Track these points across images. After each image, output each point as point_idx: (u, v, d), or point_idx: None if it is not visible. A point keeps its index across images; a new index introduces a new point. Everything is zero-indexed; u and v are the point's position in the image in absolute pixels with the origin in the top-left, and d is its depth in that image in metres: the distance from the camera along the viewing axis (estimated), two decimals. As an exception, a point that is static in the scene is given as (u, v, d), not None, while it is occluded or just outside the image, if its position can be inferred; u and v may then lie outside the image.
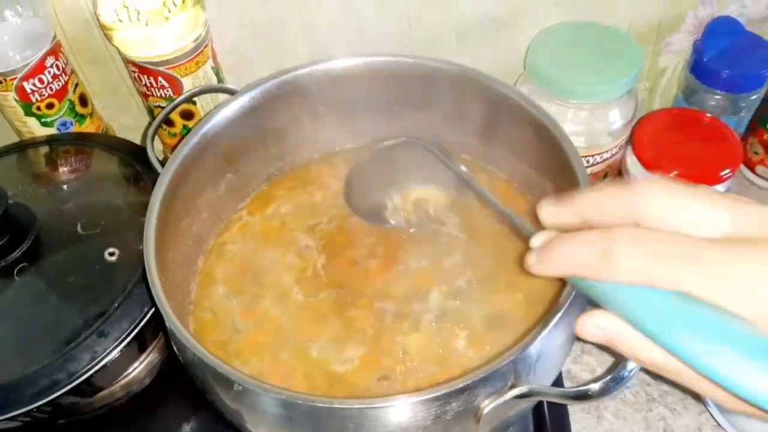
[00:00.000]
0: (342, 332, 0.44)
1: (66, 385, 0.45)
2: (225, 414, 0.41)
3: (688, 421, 0.51)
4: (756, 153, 0.64)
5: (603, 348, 0.55)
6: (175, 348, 0.42)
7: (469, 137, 0.52)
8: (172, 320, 0.38)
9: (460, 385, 0.33)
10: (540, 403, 0.50)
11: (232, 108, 0.48)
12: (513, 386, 0.35)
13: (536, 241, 0.31)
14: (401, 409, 0.34)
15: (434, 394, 0.33)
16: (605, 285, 0.26)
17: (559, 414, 0.50)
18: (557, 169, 0.44)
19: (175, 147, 0.56)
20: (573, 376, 0.54)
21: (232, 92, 0.50)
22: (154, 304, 0.47)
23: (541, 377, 0.37)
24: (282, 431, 0.38)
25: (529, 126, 0.46)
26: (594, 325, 0.28)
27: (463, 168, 0.46)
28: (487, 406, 0.34)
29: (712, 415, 0.49)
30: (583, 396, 0.33)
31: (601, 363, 0.54)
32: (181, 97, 0.50)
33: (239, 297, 0.48)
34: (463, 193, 0.47)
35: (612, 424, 0.51)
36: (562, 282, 0.37)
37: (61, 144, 0.60)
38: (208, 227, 0.52)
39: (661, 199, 0.26)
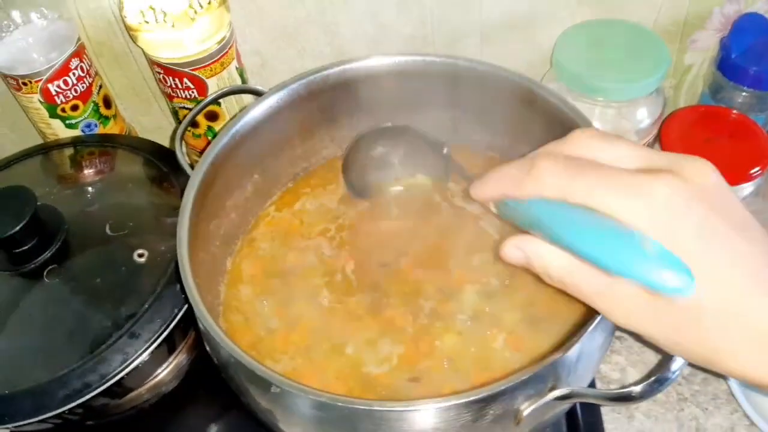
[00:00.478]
0: (376, 332, 0.44)
1: (98, 387, 0.45)
2: (257, 414, 0.41)
3: (721, 420, 0.50)
4: (783, 150, 0.63)
5: (635, 344, 0.55)
6: (208, 349, 0.42)
7: (497, 136, 0.52)
8: (207, 321, 0.38)
9: (502, 388, 0.32)
10: (573, 405, 0.49)
11: (261, 109, 0.48)
12: (553, 388, 0.34)
13: None
14: (441, 412, 0.33)
15: (476, 397, 0.32)
16: (528, 204, 0.31)
17: (593, 415, 0.49)
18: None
19: (203, 149, 0.56)
20: (603, 376, 0.53)
21: (259, 93, 0.50)
22: (185, 304, 0.47)
23: (580, 378, 0.37)
24: (316, 431, 0.38)
25: (559, 124, 0.46)
26: (515, 246, 0.33)
27: (445, 150, 0.49)
28: (528, 408, 0.34)
29: (745, 413, 0.49)
30: (625, 398, 0.33)
31: (631, 363, 0.54)
32: (210, 98, 0.50)
33: (269, 297, 0.48)
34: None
35: (643, 424, 0.51)
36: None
37: (86, 145, 0.60)
38: (235, 228, 0.52)
39: (589, 141, 0.31)
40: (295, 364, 0.44)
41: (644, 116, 0.55)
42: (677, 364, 0.32)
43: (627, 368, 0.54)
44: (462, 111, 0.51)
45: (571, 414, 0.50)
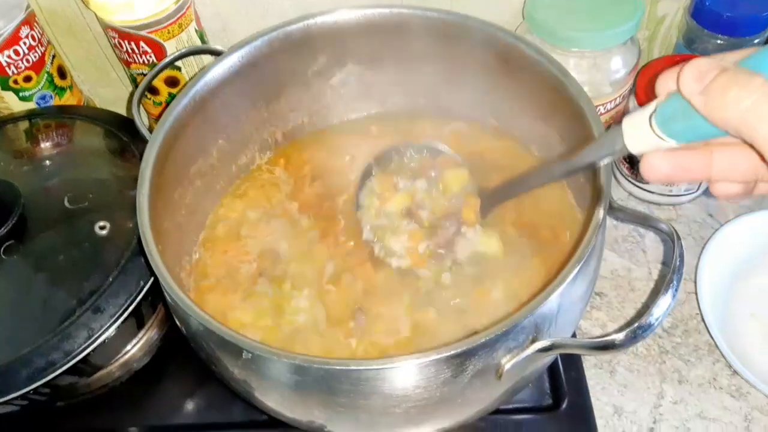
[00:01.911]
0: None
1: (63, 365, 0.43)
2: (231, 384, 0.39)
3: (703, 371, 0.50)
4: (758, 99, 0.62)
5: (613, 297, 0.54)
6: (176, 319, 0.40)
7: (471, 92, 0.50)
8: (173, 289, 0.36)
9: (482, 341, 0.31)
10: (555, 361, 0.49)
11: (221, 68, 0.46)
12: (534, 340, 0.33)
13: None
14: (420, 369, 0.32)
15: (455, 351, 0.31)
16: None
17: (575, 370, 0.49)
18: (566, 118, 0.42)
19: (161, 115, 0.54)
20: (584, 332, 0.53)
21: (218, 53, 0.47)
22: (151, 276, 0.46)
23: (561, 330, 0.36)
24: (292, 397, 0.37)
25: (535, 75, 0.44)
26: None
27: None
28: (509, 362, 0.33)
29: (728, 363, 0.48)
30: (608, 346, 0.32)
31: (611, 318, 0.53)
32: (167, 59, 0.48)
33: (237, 272, 0.46)
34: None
35: (626, 378, 0.50)
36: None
37: (42, 118, 0.57)
38: (202, 196, 0.50)
39: None
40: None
41: (619, 66, 0.54)
42: (659, 310, 0.31)
43: (607, 323, 0.53)
44: (435, 65, 0.50)
45: (553, 370, 0.49)
